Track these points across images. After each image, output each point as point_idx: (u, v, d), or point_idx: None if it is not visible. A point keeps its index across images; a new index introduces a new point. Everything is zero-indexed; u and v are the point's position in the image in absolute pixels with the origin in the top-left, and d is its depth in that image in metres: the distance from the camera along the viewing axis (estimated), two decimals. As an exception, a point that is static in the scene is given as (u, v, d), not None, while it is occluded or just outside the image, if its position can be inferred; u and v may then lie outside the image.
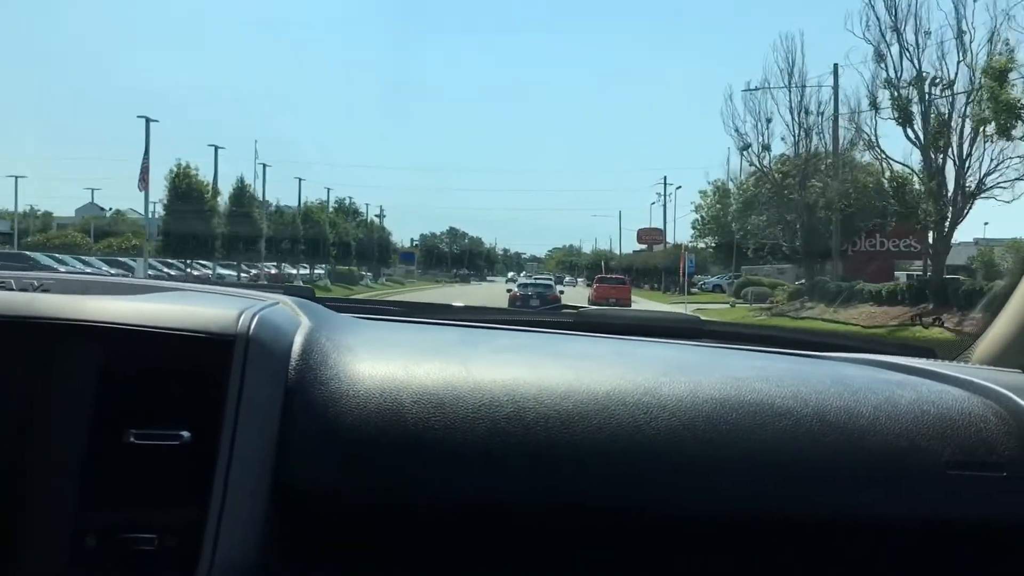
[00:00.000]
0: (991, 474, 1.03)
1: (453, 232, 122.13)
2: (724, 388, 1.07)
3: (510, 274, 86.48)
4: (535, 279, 38.30)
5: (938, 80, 20.53)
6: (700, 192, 57.22)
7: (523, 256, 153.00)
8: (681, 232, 75.05)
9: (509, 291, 29.49)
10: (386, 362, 1.07)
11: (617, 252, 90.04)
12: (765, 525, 1.02)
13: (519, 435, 0.99)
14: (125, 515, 0.91)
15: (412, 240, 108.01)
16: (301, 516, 0.97)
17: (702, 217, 52.66)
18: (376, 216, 70.69)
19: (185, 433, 0.92)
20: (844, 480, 1.01)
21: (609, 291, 33.52)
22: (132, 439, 0.92)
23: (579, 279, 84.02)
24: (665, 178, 65.51)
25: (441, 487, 0.98)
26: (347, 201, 64.88)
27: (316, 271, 47.31)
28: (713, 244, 47.90)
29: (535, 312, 1.64)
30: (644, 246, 73.90)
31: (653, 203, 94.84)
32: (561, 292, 30.14)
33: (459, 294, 39.29)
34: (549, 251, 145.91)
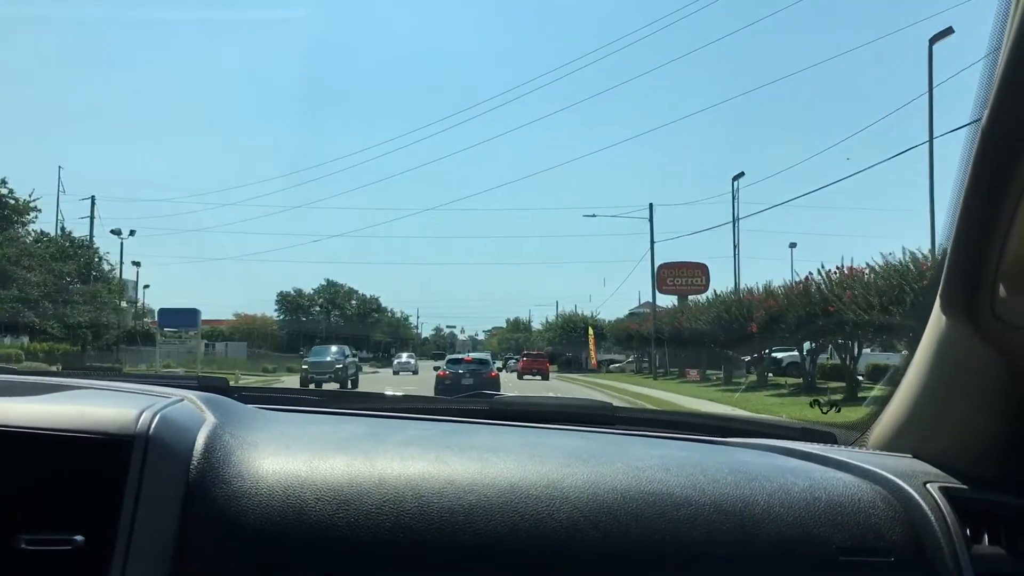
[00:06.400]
0: (880, 559, 1.07)
1: (331, 288, 74.31)
2: (626, 478, 1.10)
3: (404, 355, 48.05)
4: (468, 355, 29.19)
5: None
6: None
7: (456, 333, 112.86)
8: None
9: (436, 368, 26.78)
10: (290, 458, 1.07)
11: (611, 318, 58.28)
12: None
13: (422, 530, 1.00)
14: None
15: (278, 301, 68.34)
16: None
17: None
18: (116, 234, 37.34)
19: (79, 537, 0.91)
20: (739, 569, 1.04)
21: (532, 364, 42.28)
22: (23, 544, 0.90)
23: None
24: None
25: None
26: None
27: None
28: None
29: (448, 401, 1.63)
30: (670, 298, 41.56)
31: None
32: (500, 369, 29.99)
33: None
34: (487, 330, 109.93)
